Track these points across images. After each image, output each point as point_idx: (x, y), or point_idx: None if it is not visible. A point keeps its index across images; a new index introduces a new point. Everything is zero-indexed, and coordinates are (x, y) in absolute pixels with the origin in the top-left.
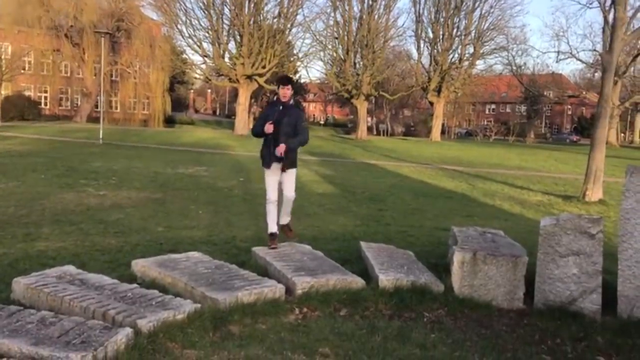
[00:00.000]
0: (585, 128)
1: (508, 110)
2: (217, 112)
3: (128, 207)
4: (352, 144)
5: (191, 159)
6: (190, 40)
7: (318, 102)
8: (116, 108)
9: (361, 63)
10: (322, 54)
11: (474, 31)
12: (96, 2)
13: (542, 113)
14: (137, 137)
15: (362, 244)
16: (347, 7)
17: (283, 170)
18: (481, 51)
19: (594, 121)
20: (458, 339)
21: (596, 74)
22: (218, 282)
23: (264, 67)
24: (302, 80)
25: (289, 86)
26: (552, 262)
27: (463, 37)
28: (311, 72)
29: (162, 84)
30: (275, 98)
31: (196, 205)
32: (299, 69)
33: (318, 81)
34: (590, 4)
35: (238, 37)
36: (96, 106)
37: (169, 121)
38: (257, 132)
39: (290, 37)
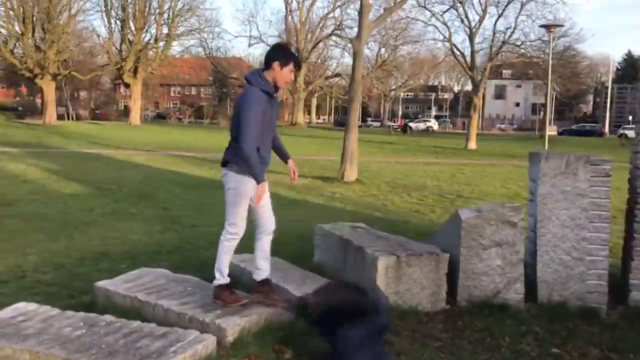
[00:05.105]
0: None
1: (194, 92)
2: None
3: None
4: (43, 130)
5: None
6: None
7: None
8: None
9: (45, 39)
10: None
11: (168, 11)
12: None
13: (230, 96)
14: None
15: None
16: None
17: None
18: (176, 32)
19: (348, 105)
20: (429, 356)
21: None
22: (122, 350)
23: None
24: None
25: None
26: (476, 256)
27: (157, 16)
28: None
29: None
30: (261, 80)
31: None
32: None
33: None
34: None
35: None
36: None
37: None
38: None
39: None
